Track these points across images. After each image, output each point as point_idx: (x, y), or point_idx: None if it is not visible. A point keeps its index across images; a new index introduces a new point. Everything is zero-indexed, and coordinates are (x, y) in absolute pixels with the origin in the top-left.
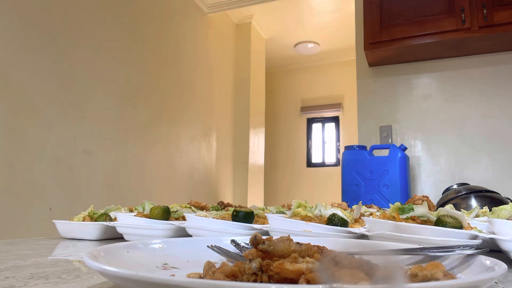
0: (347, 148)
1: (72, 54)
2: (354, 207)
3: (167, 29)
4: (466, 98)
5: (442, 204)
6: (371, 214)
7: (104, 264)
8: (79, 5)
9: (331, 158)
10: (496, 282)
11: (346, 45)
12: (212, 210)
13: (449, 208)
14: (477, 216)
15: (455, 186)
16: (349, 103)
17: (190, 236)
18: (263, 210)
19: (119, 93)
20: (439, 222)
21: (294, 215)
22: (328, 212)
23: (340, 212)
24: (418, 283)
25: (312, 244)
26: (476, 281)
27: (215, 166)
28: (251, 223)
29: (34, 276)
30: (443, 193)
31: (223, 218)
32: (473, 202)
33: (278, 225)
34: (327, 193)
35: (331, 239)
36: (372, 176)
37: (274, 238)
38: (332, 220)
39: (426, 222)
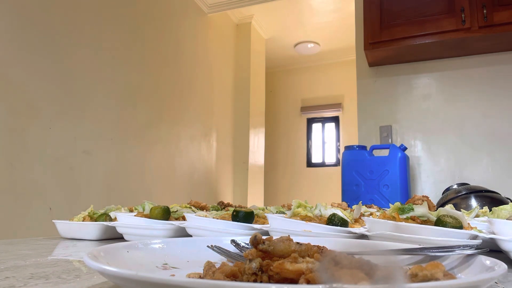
0: (347, 148)
1: (72, 54)
2: (354, 207)
3: (167, 29)
4: (466, 98)
5: (442, 204)
6: (371, 214)
7: (104, 264)
8: (79, 5)
9: (331, 158)
10: (496, 282)
11: (346, 45)
12: (212, 210)
13: (449, 208)
14: (477, 216)
15: (455, 186)
16: (349, 103)
17: (190, 236)
18: (263, 210)
19: (119, 93)
20: (439, 222)
21: (294, 215)
22: (328, 212)
23: (340, 212)
24: (418, 283)
25: (312, 244)
26: (476, 281)
27: (215, 166)
28: (251, 223)
29: (34, 276)
30: (443, 193)
31: (223, 218)
32: (473, 202)
33: (278, 225)
34: (327, 193)
35: (331, 239)
36: (372, 176)
37: (274, 238)
38: (332, 220)
39: (426, 222)
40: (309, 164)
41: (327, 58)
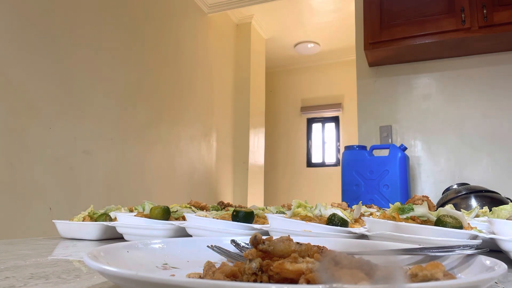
0: (347, 148)
1: (72, 54)
2: (354, 207)
3: (167, 29)
4: (466, 98)
5: (442, 204)
6: (371, 214)
7: (104, 264)
8: (79, 5)
9: (331, 158)
10: (496, 282)
11: (346, 45)
12: (212, 210)
13: (449, 208)
14: (477, 216)
15: (455, 186)
16: (349, 103)
17: (190, 236)
18: (263, 210)
19: (119, 93)
20: (439, 222)
21: (294, 215)
22: (328, 212)
23: (340, 212)
24: (418, 283)
25: (312, 244)
26: (476, 281)
27: (215, 166)
28: (251, 223)
29: (34, 276)
30: (443, 193)
31: (223, 218)
32: (473, 202)
33: (278, 225)
34: (327, 193)
35: (331, 239)
36: (372, 176)
37: (274, 238)
38: (332, 220)
39: (426, 222)
40: (309, 164)
41: (327, 58)
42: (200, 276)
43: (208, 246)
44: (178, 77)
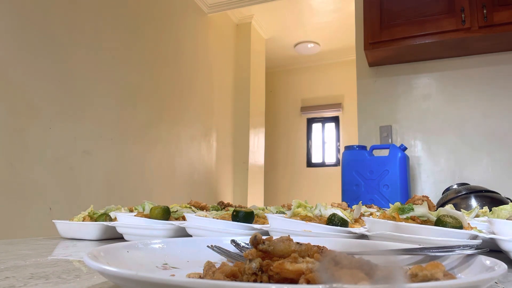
0: (347, 148)
1: (72, 54)
2: (354, 207)
3: (167, 29)
4: (466, 98)
5: (442, 204)
6: (371, 214)
7: (104, 264)
8: (78, 5)
9: (331, 158)
10: (496, 282)
11: (346, 45)
12: (212, 210)
13: (449, 208)
14: (477, 216)
15: (455, 186)
16: (349, 103)
17: (190, 236)
18: (263, 210)
19: (119, 93)
20: (439, 222)
21: (294, 215)
22: (328, 212)
23: (340, 212)
24: (418, 283)
25: (312, 244)
26: (476, 281)
27: (215, 166)
28: (251, 223)
29: (34, 276)
30: (443, 193)
31: (223, 218)
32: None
33: (278, 225)
34: (327, 193)
35: (331, 239)
36: (372, 176)
37: (274, 238)
38: (332, 220)
39: (426, 222)
40: (309, 164)
41: (327, 58)
42: (200, 276)
43: (208, 246)
44: (178, 77)
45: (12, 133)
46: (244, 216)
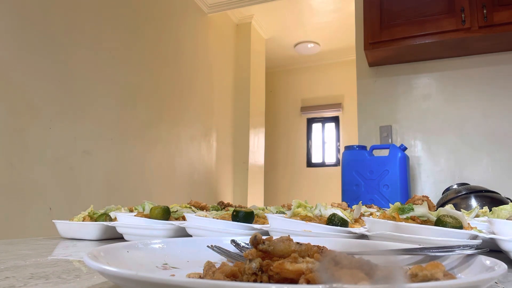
0: (347, 148)
1: (72, 54)
2: (354, 207)
3: (167, 29)
4: (466, 98)
5: (442, 204)
6: (371, 214)
7: (104, 264)
8: (78, 5)
9: (331, 158)
10: (496, 282)
11: (346, 45)
12: (212, 210)
13: (449, 208)
14: (477, 216)
15: (455, 186)
16: (349, 103)
17: (190, 236)
18: (263, 210)
19: (119, 93)
20: (439, 222)
21: (294, 215)
22: (328, 212)
23: (340, 212)
24: (418, 283)
25: (312, 244)
26: (476, 281)
27: (215, 166)
28: (251, 223)
29: (34, 276)
30: (443, 193)
31: (223, 218)
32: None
33: (278, 225)
34: (327, 193)
35: (331, 239)
36: (372, 176)
37: (274, 238)
38: (332, 220)
39: (426, 222)
40: (309, 164)
41: (327, 58)
42: (200, 276)
43: (208, 246)
44: (178, 77)
45: (12, 133)
46: (244, 216)
